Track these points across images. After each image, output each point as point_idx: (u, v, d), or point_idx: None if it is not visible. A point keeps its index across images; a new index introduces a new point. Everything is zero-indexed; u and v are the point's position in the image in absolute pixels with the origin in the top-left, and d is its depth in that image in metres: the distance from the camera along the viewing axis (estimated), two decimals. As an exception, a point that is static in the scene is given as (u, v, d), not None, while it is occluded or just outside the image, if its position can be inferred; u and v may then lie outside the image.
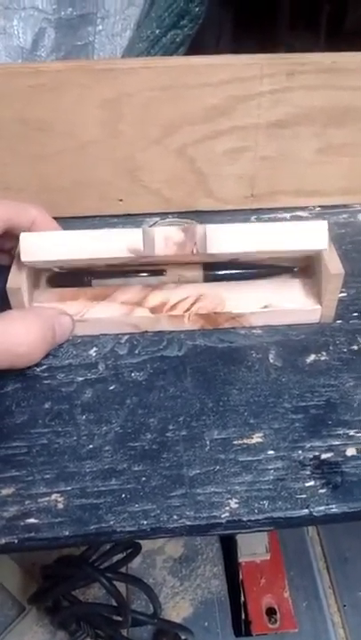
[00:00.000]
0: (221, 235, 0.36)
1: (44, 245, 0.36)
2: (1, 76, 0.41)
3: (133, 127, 0.44)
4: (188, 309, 0.38)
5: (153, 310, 0.38)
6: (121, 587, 0.59)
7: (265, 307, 0.39)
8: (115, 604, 0.57)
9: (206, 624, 0.68)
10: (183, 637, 0.64)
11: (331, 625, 0.68)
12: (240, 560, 0.72)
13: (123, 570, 0.61)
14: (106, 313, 0.38)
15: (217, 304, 0.39)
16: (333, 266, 0.37)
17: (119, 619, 0.59)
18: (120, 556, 0.58)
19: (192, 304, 0.39)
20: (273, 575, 0.71)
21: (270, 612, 0.68)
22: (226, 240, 0.36)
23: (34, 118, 0.43)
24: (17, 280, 0.36)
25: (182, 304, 0.39)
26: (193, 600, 0.70)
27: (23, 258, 0.36)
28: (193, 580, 0.71)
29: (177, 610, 0.69)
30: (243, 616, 0.68)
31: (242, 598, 0.69)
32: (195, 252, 0.37)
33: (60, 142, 0.44)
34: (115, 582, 0.56)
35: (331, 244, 0.39)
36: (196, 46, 0.62)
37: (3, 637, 0.67)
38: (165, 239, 0.36)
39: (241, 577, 0.71)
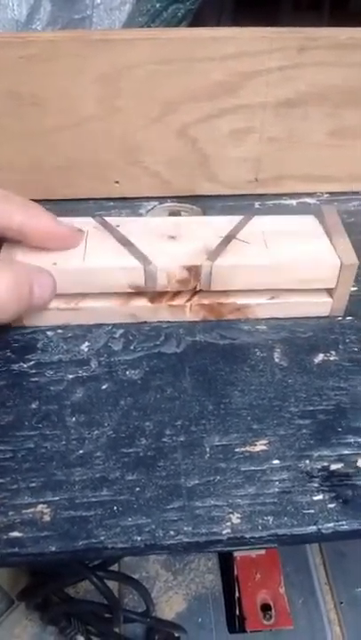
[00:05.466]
0: (226, 271, 0.34)
1: None
2: (-11, 46, 0.38)
3: (132, 103, 0.41)
4: (189, 299, 0.36)
5: (152, 299, 0.36)
6: (114, 582, 0.58)
7: (272, 298, 0.36)
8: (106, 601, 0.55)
9: (200, 620, 0.67)
10: (176, 635, 0.62)
11: (327, 622, 0.67)
12: (235, 554, 0.70)
13: (115, 565, 0.59)
14: (101, 300, 0.36)
15: (221, 294, 0.36)
16: (346, 256, 0.35)
17: (111, 616, 0.57)
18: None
19: (194, 290, 0.36)
20: (268, 570, 0.69)
21: (265, 608, 0.67)
22: (230, 277, 0.35)
23: (25, 92, 0.40)
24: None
25: (184, 293, 0.36)
26: (186, 595, 0.68)
27: None
28: (187, 574, 0.70)
29: (170, 605, 0.68)
30: (237, 612, 0.67)
31: (236, 594, 0.68)
32: (197, 288, 0.35)
33: (53, 118, 0.41)
34: (107, 580, 0.54)
35: (343, 232, 0.36)
36: (197, 24, 0.59)
37: (-9, 631, 0.66)
38: (168, 276, 0.34)
39: (236, 572, 0.69)
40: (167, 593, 0.68)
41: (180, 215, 0.44)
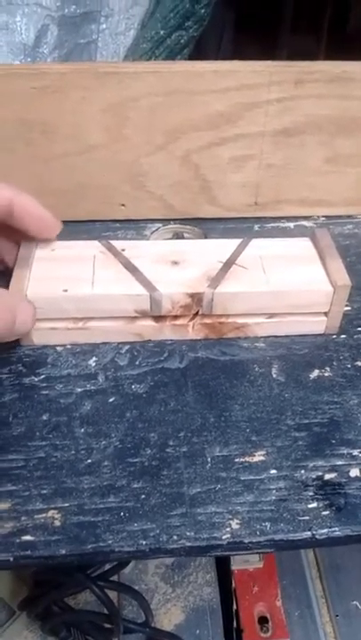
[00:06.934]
0: (227, 298, 0.37)
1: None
2: (3, 77, 0.41)
3: (138, 132, 0.43)
4: (192, 319, 0.38)
5: (156, 319, 0.38)
6: (113, 593, 0.59)
7: (270, 317, 0.38)
8: (106, 611, 0.56)
9: (198, 632, 0.67)
10: (175, 646, 0.63)
11: (323, 635, 0.67)
12: (233, 568, 0.71)
13: (115, 577, 0.60)
14: (108, 321, 0.37)
15: (222, 313, 0.38)
16: (340, 277, 0.37)
17: (110, 626, 0.58)
18: (112, 563, 0.57)
19: (196, 313, 0.38)
20: (266, 583, 0.70)
21: (262, 620, 0.68)
22: (231, 303, 0.37)
23: (36, 120, 0.42)
24: (18, 287, 0.35)
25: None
26: (185, 607, 0.69)
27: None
28: (185, 586, 0.71)
29: (169, 617, 0.68)
30: (235, 624, 0.68)
31: (234, 606, 0.69)
32: (200, 312, 0.37)
33: (62, 145, 0.43)
34: (107, 590, 0.55)
35: (336, 255, 0.38)
36: (198, 48, 0.62)
37: (-8, 642, 0.66)
38: (172, 302, 0.36)
39: (234, 585, 0.70)
40: (166, 605, 0.69)
41: (183, 236, 0.46)
